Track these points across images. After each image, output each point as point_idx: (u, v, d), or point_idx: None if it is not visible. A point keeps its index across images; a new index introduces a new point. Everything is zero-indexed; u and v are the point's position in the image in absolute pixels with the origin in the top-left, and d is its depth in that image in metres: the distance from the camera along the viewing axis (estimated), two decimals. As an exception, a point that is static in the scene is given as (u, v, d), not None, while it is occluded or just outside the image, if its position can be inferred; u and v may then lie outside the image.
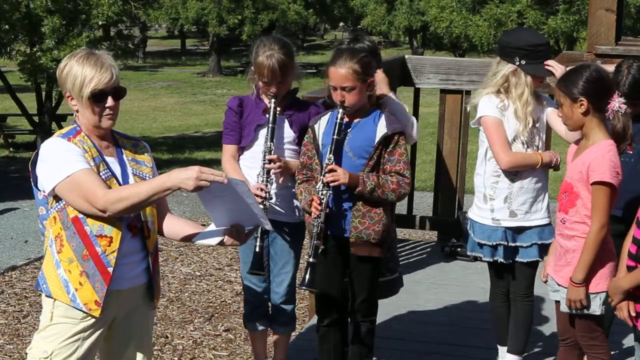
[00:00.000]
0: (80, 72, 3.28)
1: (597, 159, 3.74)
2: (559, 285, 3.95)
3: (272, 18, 36.35)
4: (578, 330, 3.95)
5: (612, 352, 4.89)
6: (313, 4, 40.54)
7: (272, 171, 4.35)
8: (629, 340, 4.89)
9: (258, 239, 4.31)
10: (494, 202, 4.44)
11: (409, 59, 6.97)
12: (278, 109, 4.38)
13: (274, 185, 4.39)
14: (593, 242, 3.74)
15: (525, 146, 4.39)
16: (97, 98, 3.29)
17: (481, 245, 4.49)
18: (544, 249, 4.38)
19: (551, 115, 4.36)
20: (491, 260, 4.49)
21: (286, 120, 4.46)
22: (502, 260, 4.46)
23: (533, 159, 4.37)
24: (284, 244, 4.54)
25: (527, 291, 4.52)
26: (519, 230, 4.42)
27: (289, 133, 4.47)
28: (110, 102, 3.31)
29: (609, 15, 6.36)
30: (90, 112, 3.31)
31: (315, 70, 32.75)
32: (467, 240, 4.60)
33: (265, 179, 4.34)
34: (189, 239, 3.51)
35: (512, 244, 4.44)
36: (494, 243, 4.45)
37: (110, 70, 3.31)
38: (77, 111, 3.35)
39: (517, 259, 4.46)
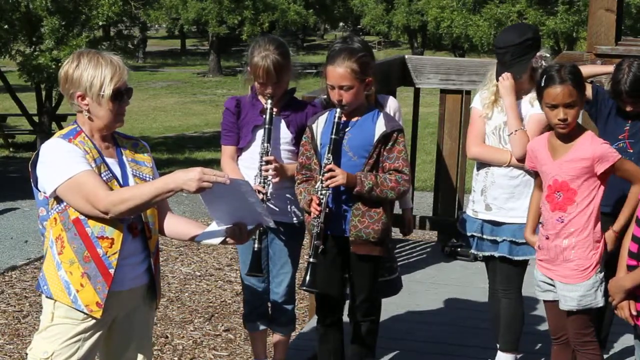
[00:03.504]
0: (100, 72, 3.27)
1: (599, 146, 3.84)
2: (554, 282, 3.97)
3: (272, 19, 36.37)
4: (574, 328, 3.97)
5: (612, 352, 4.92)
6: (313, 4, 40.55)
7: (269, 172, 4.34)
8: (628, 340, 4.89)
9: (256, 240, 4.31)
10: (474, 194, 4.53)
11: (409, 59, 6.96)
12: (274, 109, 4.38)
13: (271, 186, 4.39)
14: (636, 198, 3.85)
15: (501, 141, 4.42)
16: (117, 97, 3.30)
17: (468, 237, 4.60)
18: (516, 248, 4.39)
19: (529, 120, 4.36)
20: (473, 251, 4.59)
21: (283, 121, 4.45)
22: (474, 251, 4.57)
23: (500, 155, 4.40)
24: (283, 245, 4.54)
25: (506, 287, 4.53)
26: (496, 225, 4.45)
27: (285, 134, 4.46)
28: (125, 100, 3.34)
29: (609, 15, 6.36)
30: (107, 112, 3.31)
31: (315, 70, 32.74)
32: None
33: (262, 180, 4.33)
34: (191, 238, 3.51)
35: (487, 237, 4.47)
36: (470, 233, 4.53)
37: (125, 70, 3.33)
38: (88, 111, 3.32)
39: (493, 254, 4.50)
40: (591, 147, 3.84)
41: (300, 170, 4.26)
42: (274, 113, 4.37)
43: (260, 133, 4.40)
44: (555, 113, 3.83)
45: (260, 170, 4.33)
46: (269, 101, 4.35)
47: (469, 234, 4.55)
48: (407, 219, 4.74)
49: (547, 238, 3.97)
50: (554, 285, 4.00)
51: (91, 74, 3.27)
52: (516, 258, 4.42)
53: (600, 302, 3.90)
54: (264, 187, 4.31)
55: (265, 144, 4.33)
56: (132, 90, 3.39)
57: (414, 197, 7.18)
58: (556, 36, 30.44)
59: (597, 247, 3.90)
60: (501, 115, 4.42)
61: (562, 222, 3.90)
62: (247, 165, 4.47)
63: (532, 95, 4.35)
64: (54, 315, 3.33)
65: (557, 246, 3.93)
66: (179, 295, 7.26)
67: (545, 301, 4.10)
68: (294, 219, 4.51)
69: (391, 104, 4.61)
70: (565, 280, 3.92)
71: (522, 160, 4.29)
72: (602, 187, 3.89)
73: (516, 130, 4.29)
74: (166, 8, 36.43)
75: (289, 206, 4.49)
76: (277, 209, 4.43)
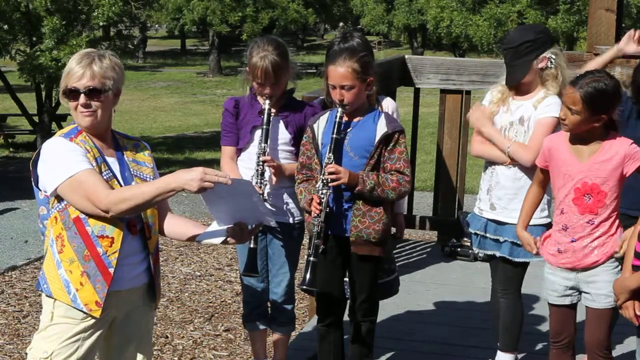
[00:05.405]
0: (65, 70, 3.32)
1: (628, 146, 3.83)
2: (579, 284, 3.93)
3: (273, 16, 36.39)
4: (600, 330, 3.92)
5: (612, 352, 4.92)
6: (312, 4, 40.56)
7: (266, 172, 4.34)
8: (628, 340, 4.89)
9: (252, 241, 4.30)
10: (481, 193, 4.55)
11: (409, 59, 6.97)
12: (273, 110, 4.38)
13: (269, 186, 4.38)
14: None
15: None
16: (67, 95, 3.31)
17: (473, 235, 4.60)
18: (517, 249, 4.38)
19: (535, 124, 4.35)
20: (475, 249, 4.59)
21: (281, 122, 4.45)
22: (476, 249, 4.58)
23: (500, 153, 4.40)
24: (282, 245, 4.53)
25: (505, 288, 4.54)
26: (500, 224, 4.45)
27: (284, 134, 4.46)
28: (82, 99, 3.28)
29: (609, 15, 6.36)
30: (71, 109, 3.34)
31: (315, 70, 32.76)
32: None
33: (259, 180, 4.33)
34: (191, 238, 3.51)
35: (490, 236, 4.48)
36: (474, 231, 4.54)
37: (88, 68, 3.27)
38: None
39: (495, 253, 4.50)
40: (621, 147, 3.83)
41: (300, 169, 4.26)
42: (272, 114, 4.37)
43: (258, 133, 4.39)
44: (562, 110, 3.89)
45: (257, 170, 4.33)
46: (267, 102, 4.35)
47: (472, 231, 4.55)
48: (399, 223, 4.73)
49: (573, 241, 3.91)
50: (576, 289, 3.96)
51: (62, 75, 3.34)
52: (516, 260, 4.42)
53: None
54: (260, 187, 4.31)
55: (263, 145, 4.32)
56: (96, 90, 3.28)
57: (414, 197, 7.20)
58: (556, 36, 30.43)
59: (616, 237, 3.90)
60: (507, 115, 4.43)
61: (593, 224, 3.87)
62: (247, 166, 4.46)
63: (537, 98, 4.35)
64: (53, 315, 3.33)
65: (586, 247, 3.90)
66: (179, 295, 7.26)
67: (555, 305, 4.03)
68: (292, 218, 4.51)
69: (388, 105, 4.61)
70: (598, 276, 3.89)
71: (534, 165, 4.23)
72: (621, 186, 3.89)
73: (509, 147, 4.33)
74: (171, 9, 36.47)
75: (287, 206, 4.49)
76: (276, 209, 4.43)
